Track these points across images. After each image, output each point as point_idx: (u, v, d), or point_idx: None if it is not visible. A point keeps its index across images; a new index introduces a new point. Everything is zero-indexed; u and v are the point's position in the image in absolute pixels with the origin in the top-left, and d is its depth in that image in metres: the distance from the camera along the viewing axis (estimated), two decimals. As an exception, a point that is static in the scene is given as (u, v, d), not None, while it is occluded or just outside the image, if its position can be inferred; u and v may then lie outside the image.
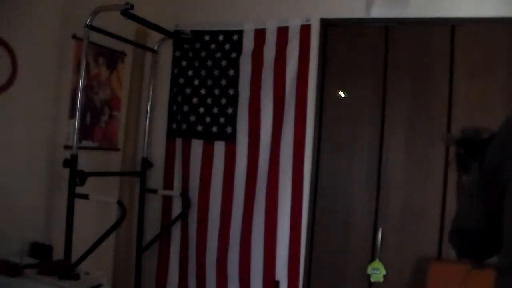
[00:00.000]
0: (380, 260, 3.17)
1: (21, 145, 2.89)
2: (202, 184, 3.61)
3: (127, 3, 2.99)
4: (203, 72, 3.65)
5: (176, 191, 3.68)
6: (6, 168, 2.80)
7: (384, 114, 3.27)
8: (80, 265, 2.84)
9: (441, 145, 3.09)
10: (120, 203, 3.02)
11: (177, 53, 3.76)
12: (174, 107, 3.74)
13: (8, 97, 2.78)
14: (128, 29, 3.52)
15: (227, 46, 3.60)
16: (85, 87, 3.17)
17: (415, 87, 3.22)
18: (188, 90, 3.69)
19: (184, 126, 3.69)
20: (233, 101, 3.55)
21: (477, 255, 1.30)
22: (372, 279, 3.19)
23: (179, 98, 3.72)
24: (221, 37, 3.62)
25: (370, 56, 3.33)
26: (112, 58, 3.56)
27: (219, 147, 3.58)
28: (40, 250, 2.86)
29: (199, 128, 3.63)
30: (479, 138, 1.44)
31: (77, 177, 2.96)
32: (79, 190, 2.96)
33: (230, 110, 3.56)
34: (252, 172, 3.47)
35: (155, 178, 3.75)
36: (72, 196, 2.94)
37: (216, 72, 3.61)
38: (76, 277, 2.62)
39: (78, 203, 2.95)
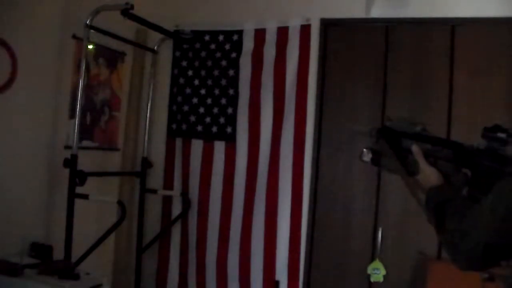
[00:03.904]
0: (380, 260, 3.17)
1: (21, 145, 2.89)
2: (202, 184, 3.61)
3: (127, 3, 2.98)
4: (203, 72, 3.65)
5: (176, 191, 3.68)
6: (6, 168, 2.80)
7: (384, 113, 3.26)
8: (80, 265, 2.84)
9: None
10: (120, 203, 3.02)
11: (177, 53, 3.76)
12: (174, 107, 3.74)
13: (8, 97, 2.78)
14: (128, 29, 3.52)
15: (227, 46, 3.60)
16: (85, 87, 3.17)
17: (415, 87, 3.22)
18: (188, 90, 3.69)
19: (184, 126, 3.69)
20: (233, 101, 3.55)
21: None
22: (372, 279, 3.18)
23: (179, 98, 3.72)
24: (221, 37, 3.62)
25: (370, 56, 3.33)
26: (112, 58, 3.56)
27: (219, 147, 3.58)
28: (40, 250, 2.86)
29: (199, 128, 3.63)
30: (411, 131, 1.38)
31: (77, 177, 2.96)
32: (79, 190, 2.96)
33: (230, 110, 3.56)
34: (252, 172, 3.47)
35: (155, 178, 3.75)
36: (72, 196, 2.94)
37: (216, 72, 3.61)
38: (76, 277, 2.62)
39: (78, 203, 2.95)
